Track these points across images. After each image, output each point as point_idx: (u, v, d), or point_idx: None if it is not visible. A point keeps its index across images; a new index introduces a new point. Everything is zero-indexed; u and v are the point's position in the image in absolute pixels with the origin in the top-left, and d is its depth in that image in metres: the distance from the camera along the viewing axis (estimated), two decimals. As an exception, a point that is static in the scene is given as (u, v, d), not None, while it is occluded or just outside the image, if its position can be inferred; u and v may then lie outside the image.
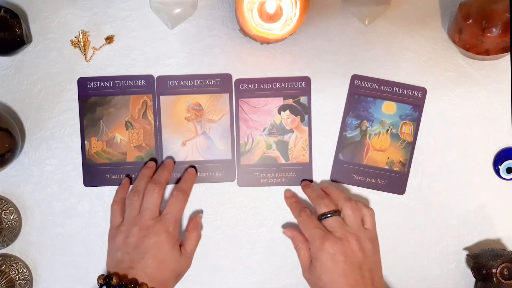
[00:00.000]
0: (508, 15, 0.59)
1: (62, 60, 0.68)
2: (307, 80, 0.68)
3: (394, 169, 0.68)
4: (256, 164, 0.68)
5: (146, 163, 0.67)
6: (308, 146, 0.68)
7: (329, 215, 0.62)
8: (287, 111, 0.68)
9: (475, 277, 0.66)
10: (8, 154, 0.63)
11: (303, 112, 0.68)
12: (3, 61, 0.68)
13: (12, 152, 0.64)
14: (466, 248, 0.69)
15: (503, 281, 0.63)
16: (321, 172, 0.68)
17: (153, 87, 0.67)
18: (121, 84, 0.67)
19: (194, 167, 0.68)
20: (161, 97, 0.67)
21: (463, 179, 0.68)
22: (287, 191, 0.68)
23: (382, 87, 0.67)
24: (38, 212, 0.68)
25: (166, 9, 0.67)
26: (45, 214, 0.68)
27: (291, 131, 0.68)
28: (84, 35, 0.67)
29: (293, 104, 0.68)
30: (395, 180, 0.68)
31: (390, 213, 0.68)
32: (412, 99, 0.67)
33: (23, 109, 0.68)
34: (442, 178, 0.68)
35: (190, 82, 0.67)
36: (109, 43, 0.68)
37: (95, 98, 0.67)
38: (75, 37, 0.67)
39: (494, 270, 0.63)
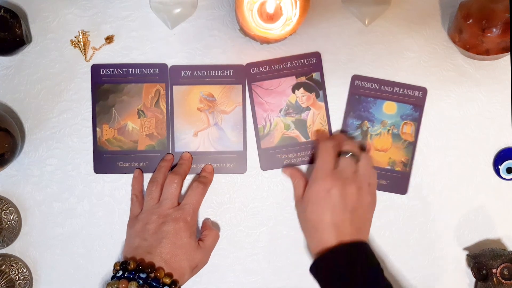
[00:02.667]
0: (508, 15, 0.59)
1: (62, 60, 0.68)
2: (317, 55, 0.67)
3: (396, 169, 0.68)
4: (277, 146, 0.68)
5: (164, 156, 0.68)
6: (326, 121, 0.68)
7: (350, 154, 0.62)
8: (301, 89, 0.67)
9: (475, 277, 0.66)
10: (8, 154, 0.63)
11: (317, 88, 0.67)
12: (3, 61, 0.68)
13: (12, 152, 0.64)
14: (466, 248, 0.68)
15: (503, 281, 0.63)
16: None
17: (166, 76, 0.67)
18: (134, 72, 0.67)
19: (211, 165, 0.68)
20: (174, 87, 0.67)
21: (463, 179, 0.68)
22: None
23: (382, 87, 0.67)
24: (38, 212, 0.68)
25: (166, 9, 0.67)
26: (45, 214, 0.68)
27: (308, 108, 0.68)
28: (84, 35, 0.67)
29: (306, 81, 0.67)
30: (397, 180, 0.68)
31: (391, 213, 0.68)
32: (413, 99, 0.67)
33: (23, 109, 0.68)
34: (442, 178, 0.68)
35: (204, 73, 0.67)
36: (109, 43, 0.68)
37: (108, 85, 0.67)
38: (75, 37, 0.67)
39: (494, 270, 0.63)
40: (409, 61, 0.68)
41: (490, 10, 0.60)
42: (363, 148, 0.66)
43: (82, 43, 0.67)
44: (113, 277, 0.59)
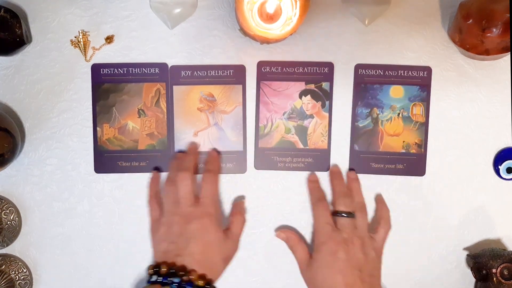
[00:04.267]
0: (508, 15, 0.59)
1: (62, 60, 0.68)
2: (330, 65, 0.67)
3: (411, 151, 0.68)
4: (274, 147, 0.68)
5: (174, 155, 0.67)
6: (327, 133, 0.68)
7: (344, 215, 0.63)
8: (308, 96, 0.67)
9: (475, 277, 0.66)
10: (8, 154, 0.63)
11: (324, 98, 0.67)
12: (3, 61, 0.68)
13: (12, 152, 0.64)
14: (466, 248, 0.68)
15: (503, 281, 0.63)
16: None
17: (166, 75, 0.67)
18: (134, 71, 0.67)
19: (216, 149, 0.68)
20: (174, 87, 0.67)
21: (463, 179, 0.68)
22: (311, 175, 0.68)
23: (387, 72, 0.67)
24: (38, 212, 0.68)
25: (166, 9, 0.67)
26: (45, 214, 0.68)
27: (311, 116, 0.68)
28: (84, 35, 0.67)
29: (315, 89, 0.67)
30: (413, 163, 0.68)
31: (391, 213, 0.68)
32: (419, 79, 0.67)
33: (23, 109, 0.68)
34: (442, 178, 0.68)
35: (204, 73, 0.67)
36: (109, 43, 0.68)
37: (108, 84, 0.67)
38: (75, 37, 0.67)
39: (494, 270, 0.63)
40: (409, 61, 0.68)
41: (490, 10, 0.60)
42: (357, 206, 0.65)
43: (82, 43, 0.67)
44: (148, 281, 0.59)
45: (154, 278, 0.58)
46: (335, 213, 0.64)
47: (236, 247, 0.65)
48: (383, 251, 0.64)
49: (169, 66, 0.68)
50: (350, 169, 0.68)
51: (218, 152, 0.68)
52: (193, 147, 0.67)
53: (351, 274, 0.60)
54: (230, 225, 0.65)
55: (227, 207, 0.68)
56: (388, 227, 0.65)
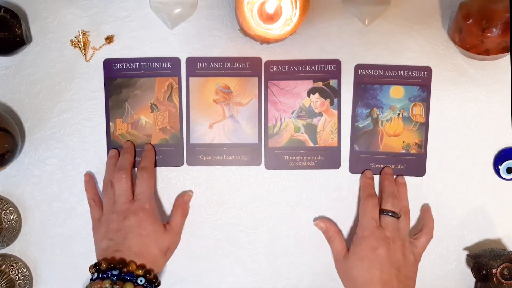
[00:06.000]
0: (508, 15, 0.59)
1: (62, 60, 0.68)
2: (337, 62, 0.67)
3: (411, 151, 0.68)
4: (284, 147, 0.68)
5: (109, 153, 0.67)
6: (337, 130, 0.68)
7: (390, 214, 0.63)
8: (317, 94, 0.68)
9: (475, 277, 0.66)
10: (8, 154, 0.63)
11: (332, 95, 0.68)
12: (3, 61, 0.68)
13: (12, 152, 0.64)
14: (466, 248, 0.69)
15: (503, 281, 0.63)
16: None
17: (179, 70, 0.67)
18: (147, 66, 0.67)
19: (150, 143, 0.68)
20: (190, 79, 0.67)
21: (463, 179, 0.68)
22: (367, 171, 0.68)
23: (387, 72, 0.67)
24: (38, 212, 0.68)
25: (166, 9, 0.67)
26: (45, 214, 0.68)
27: (320, 114, 0.68)
28: (84, 35, 0.67)
29: (323, 87, 0.67)
30: (414, 163, 0.68)
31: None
32: (419, 79, 0.67)
33: (23, 109, 0.68)
34: (442, 178, 0.68)
35: (220, 65, 0.67)
36: (109, 43, 0.68)
37: (121, 79, 0.68)
38: (75, 37, 0.67)
39: (494, 270, 0.63)
40: (409, 61, 0.68)
41: (490, 10, 0.60)
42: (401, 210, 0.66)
43: (82, 43, 0.67)
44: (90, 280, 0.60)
45: (95, 275, 0.59)
46: (382, 211, 0.64)
47: (177, 240, 0.66)
48: (420, 259, 0.64)
49: (185, 58, 0.67)
50: (399, 175, 0.68)
51: (153, 146, 0.68)
52: (129, 145, 0.67)
53: (388, 271, 0.60)
54: (170, 218, 0.66)
55: (226, 208, 0.68)
56: (430, 236, 0.65)
